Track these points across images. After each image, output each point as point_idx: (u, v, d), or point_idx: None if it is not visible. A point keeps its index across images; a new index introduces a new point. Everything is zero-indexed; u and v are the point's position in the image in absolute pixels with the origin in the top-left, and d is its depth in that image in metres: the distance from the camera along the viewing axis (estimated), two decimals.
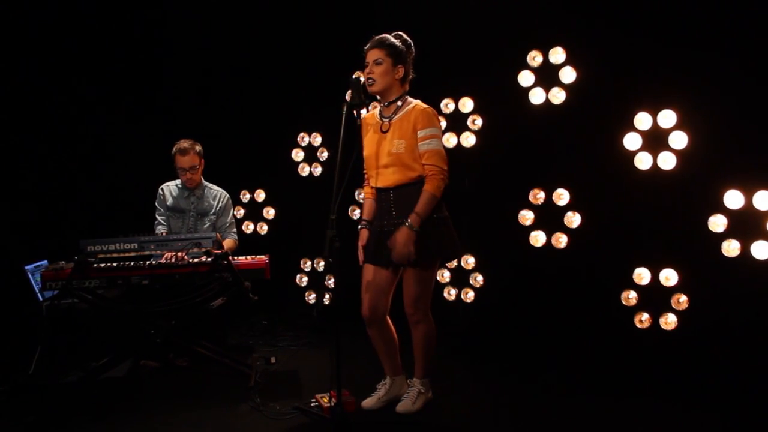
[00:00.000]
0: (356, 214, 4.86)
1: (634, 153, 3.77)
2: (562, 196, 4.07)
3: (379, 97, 3.13)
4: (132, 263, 3.44)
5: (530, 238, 4.18)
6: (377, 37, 3.05)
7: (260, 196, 5.22)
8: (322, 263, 5.06)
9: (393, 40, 3.04)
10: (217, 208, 4.10)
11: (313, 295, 5.07)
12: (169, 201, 4.07)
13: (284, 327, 4.72)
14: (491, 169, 4.33)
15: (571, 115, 4.00)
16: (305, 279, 5.14)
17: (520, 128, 4.20)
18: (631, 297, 3.84)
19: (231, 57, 5.09)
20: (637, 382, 3.49)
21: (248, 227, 5.21)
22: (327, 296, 4.98)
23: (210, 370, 3.74)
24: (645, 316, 3.80)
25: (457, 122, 4.42)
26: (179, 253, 3.47)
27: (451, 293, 4.52)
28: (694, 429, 3.01)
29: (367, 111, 3.23)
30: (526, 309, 4.23)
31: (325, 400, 3.16)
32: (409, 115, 3.03)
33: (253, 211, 5.24)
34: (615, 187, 3.88)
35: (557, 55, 4.02)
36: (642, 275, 3.80)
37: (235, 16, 5.02)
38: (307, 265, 5.13)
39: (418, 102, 3.09)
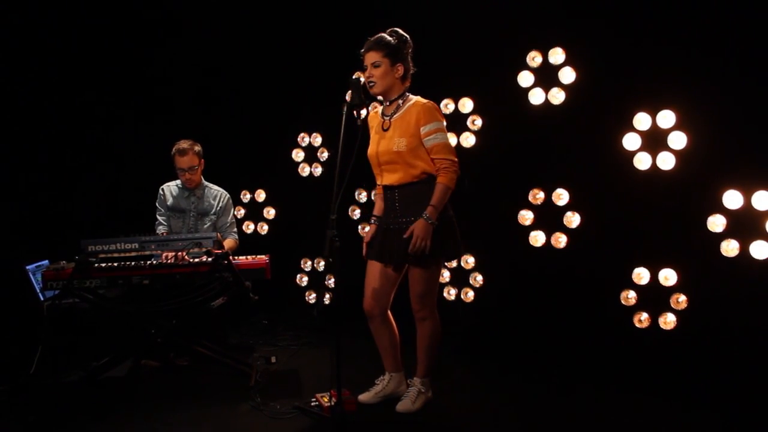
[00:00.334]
0: (356, 214, 4.87)
1: (633, 153, 3.78)
2: (561, 196, 4.08)
3: (381, 98, 3.14)
4: (133, 263, 3.45)
5: (530, 238, 4.19)
6: (372, 39, 3.05)
7: (261, 196, 5.23)
8: (322, 263, 5.07)
9: (388, 38, 3.03)
10: (218, 208, 4.11)
11: (314, 295, 5.08)
12: (170, 201, 4.08)
13: (284, 326, 4.73)
14: (491, 169, 4.34)
15: (571, 116, 4.01)
16: (305, 279, 5.14)
17: (519, 128, 4.21)
18: (630, 297, 3.85)
19: (231, 57, 5.09)
20: (636, 382, 3.50)
21: (249, 227, 5.22)
22: (327, 296, 4.99)
23: (210, 370, 3.75)
24: (644, 315, 3.81)
25: (457, 122, 4.43)
26: (179, 253, 3.47)
27: (450, 293, 4.53)
28: (693, 429, 3.02)
29: (368, 111, 3.25)
30: (525, 309, 4.24)
31: (326, 400, 3.17)
32: (410, 112, 3.03)
33: (254, 211, 5.25)
34: (614, 188, 3.89)
35: (557, 55, 4.03)
36: (641, 275, 3.81)
37: (236, 16, 5.03)
38: (307, 265, 5.14)
39: (418, 98, 3.09)
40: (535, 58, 4.11)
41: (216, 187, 4.17)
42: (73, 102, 4.76)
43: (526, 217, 4.21)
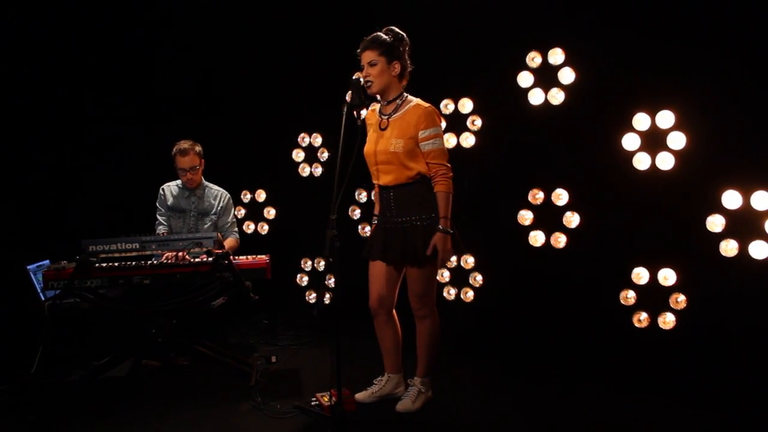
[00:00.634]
0: (356, 214, 4.88)
1: (632, 153, 3.78)
2: (561, 196, 4.08)
3: (379, 97, 3.15)
4: (133, 263, 3.46)
5: (529, 238, 4.19)
6: (368, 38, 3.05)
7: (261, 196, 5.24)
8: (322, 263, 5.07)
9: (384, 37, 3.04)
10: (218, 208, 4.12)
11: (314, 295, 5.09)
12: (170, 201, 4.09)
13: (285, 326, 4.74)
14: (490, 169, 4.34)
15: (570, 116, 4.01)
16: (306, 278, 5.15)
17: (519, 129, 4.21)
18: (629, 296, 3.86)
19: (232, 57, 5.10)
20: (635, 381, 3.51)
21: (249, 227, 5.23)
22: (327, 296, 4.99)
23: (211, 370, 3.76)
24: (643, 315, 3.82)
25: (457, 123, 4.44)
26: (180, 253, 3.48)
27: (450, 293, 4.54)
28: (692, 428, 3.03)
29: (367, 111, 3.25)
30: (525, 308, 4.24)
31: (326, 399, 3.18)
32: (410, 114, 3.04)
33: (254, 211, 5.26)
34: (614, 188, 3.89)
35: (556, 56, 4.03)
36: (640, 275, 3.81)
37: (236, 16, 5.04)
38: (307, 265, 5.15)
39: (418, 100, 3.10)
40: (534, 59, 4.12)
41: (216, 187, 4.18)
42: (74, 102, 4.77)
43: (525, 217, 4.22)
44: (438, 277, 4.52)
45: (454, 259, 4.49)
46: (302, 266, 5.15)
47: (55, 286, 3.41)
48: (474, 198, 4.35)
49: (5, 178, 4.43)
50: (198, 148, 4.02)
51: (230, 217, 4.18)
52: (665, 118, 3.67)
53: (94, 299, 3.52)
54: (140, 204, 4.43)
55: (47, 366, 3.64)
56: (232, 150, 5.06)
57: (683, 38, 3.59)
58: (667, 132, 3.67)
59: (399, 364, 3.32)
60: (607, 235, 3.93)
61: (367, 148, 3.15)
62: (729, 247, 3.50)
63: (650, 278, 3.79)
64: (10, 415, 3.23)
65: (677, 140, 3.64)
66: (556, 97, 4.06)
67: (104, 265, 3.42)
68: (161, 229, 4.07)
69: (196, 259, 3.51)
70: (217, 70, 5.16)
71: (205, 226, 4.07)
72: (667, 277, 3.74)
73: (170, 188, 4.13)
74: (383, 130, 3.10)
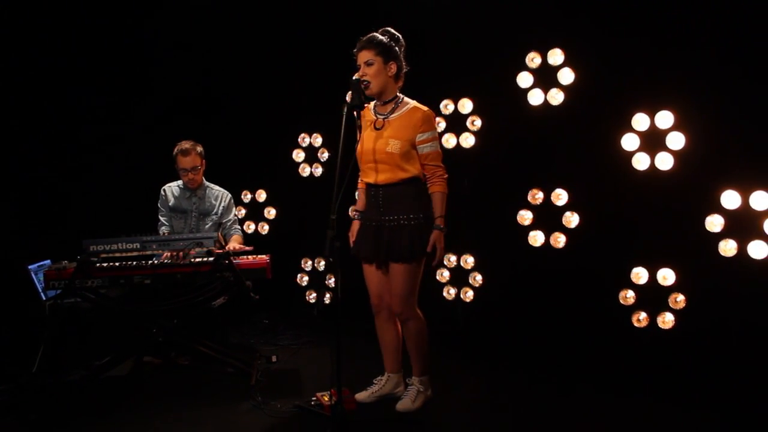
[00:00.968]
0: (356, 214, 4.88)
1: (631, 153, 3.79)
2: (560, 197, 4.09)
3: (375, 99, 3.15)
4: (134, 263, 3.47)
5: (529, 238, 4.20)
6: (364, 38, 3.07)
7: (261, 196, 5.25)
8: (322, 263, 5.09)
9: (380, 37, 3.05)
10: (219, 208, 4.13)
11: (314, 295, 5.10)
12: (171, 202, 4.10)
13: (285, 326, 4.74)
14: (490, 169, 4.35)
15: (570, 116, 4.02)
16: (306, 278, 5.16)
17: (518, 129, 4.22)
18: (628, 296, 3.87)
19: (232, 57, 5.11)
20: (634, 381, 3.51)
21: (249, 227, 5.24)
22: (327, 295, 5.01)
23: (211, 369, 3.77)
24: (642, 315, 3.83)
25: (457, 123, 4.45)
26: (180, 252, 3.49)
27: (450, 292, 4.55)
28: (691, 428, 3.04)
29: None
30: (524, 308, 4.25)
31: (326, 399, 3.19)
32: (410, 117, 3.05)
33: (255, 211, 5.27)
34: (613, 188, 3.90)
35: (555, 56, 4.04)
36: (640, 275, 3.82)
37: (237, 17, 5.05)
38: (307, 265, 5.16)
39: (415, 103, 3.11)
40: (534, 59, 4.13)
41: (217, 188, 4.19)
42: (75, 102, 4.78)
43: (525, 217, 4.23)
44: (438, 277, 4.55)
45: (454, 258, 4.50)
46: (302, 266, 5.16)
47: (56, 286, 3.42)
48: (474, 198, 4.37)
49: (6, 178, 4.44)
50: (199, 149, 4.03)
51: (232, 215, 4.20)
52: (664, 119, 3.68)
53: (95, 299, 3.53)
54: (141, 204, 4.44)
55: (48, 365, 3.65)
56: (233, 150, 5.07)
57: (682, 39, 3.60)
58: (666, 132, 3.68)
59: (399, 364, 3.33)
60: (606, 235, 3.94)
61: (363, 147, 3.16)
62: (728, 247, 3.51)
63: (649, 278, 3.80)
64: (11, 414, 3.24)
65: (676, 140, 3.65)
66: (556, 97, 4.07)
67: (105, 264, 3.43)
68: (163, 230, 4.09)
69: (197, 259, 3.51)
70: (217, 70, 5.17)
71: (206, 226, 4.09)
72: (667, 276, 3.75)
73: (171, 189, 4.14)
74: (378, 129, 3.10)
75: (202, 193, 4.12)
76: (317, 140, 5.06)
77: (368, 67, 3.03)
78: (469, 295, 4.49)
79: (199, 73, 5.18)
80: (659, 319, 3.77)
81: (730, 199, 3.48)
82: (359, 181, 3.30)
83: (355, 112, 3.05)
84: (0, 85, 4.43)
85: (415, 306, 3.16)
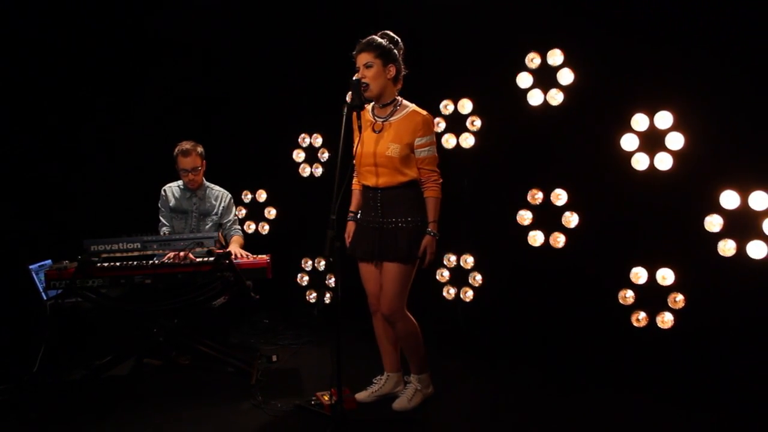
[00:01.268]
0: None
1: (631, 154, 3.80)
2: (560, 197, 4.10)
3: (374, 101, 3.16)
4: (135, 263, 3.48)
5: (528, 238, 4.21)
6: (363, 40, 3.07)
7: (262, 196, 5.26)
8: (322, 262, 5.10)
9: (380, 40, 3.06)
10: (220, 208, 4.14)
11: (314, 294, 5.11)
12: (172, 202, 4.11)
13: (285, 325, 4.75)
14: (490, 169, 4.36)
15: (569, 117, 4.03)
16: (306, 278, 5.17)
17: (518, 129, 4.23)
18: (628, 296, 3.87)
19: (233, 58, 5.12)
20: (634, 380, 3.53)
21: (250, 227, 5.25)
22: (327, 295, 5.01)
23: (212, 369, 3.78)
24: (642, 314, 3.84)
25: (456, 123, 4.45)
26: (182, 252, 3.50)
27: (450, 292, 4.56)
28: (691, 427, 3.05)
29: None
30: (524, 308, 4.26)
31: (326, 398, 3.20)
32: (409, 121, 3.06)
33: (255, 211, 5.28)
34: (612, 188, 3.91)
35: (555, 57, 4.05)
36: (639, 274, 3.83)
37: (237, 17, 5.06)
38: (308, 265, 5.17)
39: (414, 107, 3.12)
40: (533, 60, 4.14)
41: (218, 188, 4.20)
42: (76, 101, 4.78)
43: (525, 217, 4.24)
44: (438, 277, 4.56)
45: (454, 258, 4.51)
46: (303, 266, 5.17)
47: (57, 286, 3.43)
48: (473, 198, 4.38)
49: (7, 178, 4.45)
50: (200, 149, 4.04)
51: (232, 216, 4.20)
52: (664, 119, 3.68)
53: (96, 299, 3.54)
54: (142, 204, 4.45)
55: (49, 365, 3.66)
56: (234, 150, 5.08)
57: (682, 39, 3.61)
58: (665, 132, 3.69)
59: (398, 363, 3.34)
60: (605, 235, 3.95)
61: (363, 149, 3.16)
62: (727, 247, 3.52)
63: (649, 278, 3.80)
64: (13, 413, 3.25)
65: (675, 141, 3.66)
66: (555, 97, 4.08)
67: (106, 264, 3.44)
68: (164, 230, 4.09)
69: (198, 259, 3.52)
70: (218, 70, 5.18)
71: (207, 226, 4.09)
72: (666, 276, 3.76)
73: (172, 189, 4.15)
74: (378, 132, 3.11)
75: (203, 194, 4.13)
76: (317, 140, 5.07)
77: (367, 70, 3.04)
78: (468, 294, 4.50)
79: (199, 73, 5.19)
80: (658, 319, 3.78)
81: (729, 199, 3.49)
82: (354, 182, 3.31)
83: (355, 113, 3.06)
84: (1, 84, 4.43)
85: (403, 308, 3.16)
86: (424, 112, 3.10)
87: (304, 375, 3.76)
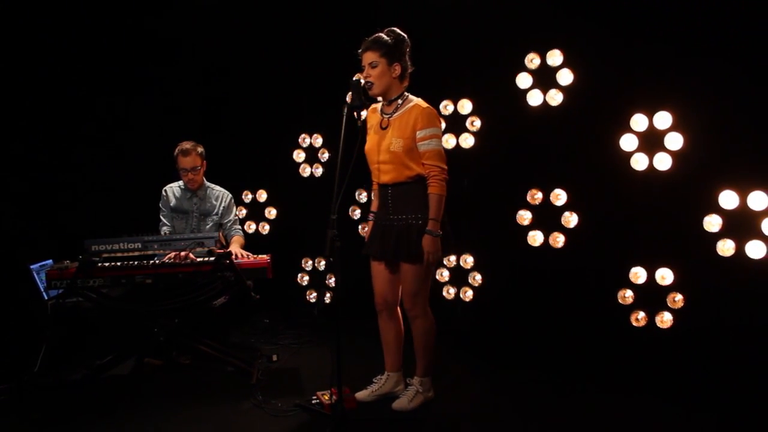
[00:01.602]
0: (357, 214, 4.91)
1: (630, 154, 3.81)
2: (559, 197, 4.11)
3: (380, 98, 3.17)
4: (135, 262, 3.48)
5: (528, 238, 4.22)
6: (369, 39, 3.07)
7: (262, 196, 5.27)
8: (323, 262, 5.10)
9: (386, 38, 3.05)
10: (220, 208, 4.15)
11: (314, 294, 5.11)
12: (172, 202, 4.12)
13: (286, 325, 4.76)
14: (489, 169, 4.37)
15: (569, 117, 4.04)
16: (306, 278, 5.18)
17: (518, 129, 4.24)
18: (627, 296, 3.88)
19: (233, 58, 5.13)
20: (633, 380, 3.53)
21: (250, 227, 5.25)
22: (328, 295, 5.02)
23: (212, 368, 3.78)
24: (641, 314, 3.84)
25: (456, 123, 4.46)
26: (183, 252, 3.50)
27: (449, 292, 4.57)
28: (689, 427, 3.06)
29: (367, 111, 3.28)
30: (523, 308, 4.27)
31: (326, 398, 3.20)
32: (410, 114, 3.06)
33: (255, 211, 5.28)
34: (611, 188, 3.92)
35: (554, 57, 4.06)
36: (638, 274, 3.84)
37: (238, 17, 5.06)
38: (308, 264, 5.18)
39: (418, 101, 3.12)
40: (533, 60, 4.15)
41: (218, 188, 4.21)
42: (76, 101, 4.79)
43: (524, 217, 4.25)
44: (437, 277, 4.56)
45: (453, 258, 4.52)
46: (303, 266, 5.18)
47: (58, 286, 3.43)
48: (473, 198, 4.38)
49: (8, 178, 4.46)
50: (200, 149, 4.05)
51: (233, 216, 4.21)
52: (663, 119, 3.69)
53: (97, 298, 3.54)
54: (142, 204, 4.46)
55: (50, 364, 3.67)
56: (234, 150, 5.09)
57: (681, 40, 3.62)
58: (664, 133, 3.70)
59: (399, 363, 3.34)
60: (605, 235, 3.96)
61: (368, 146, 3.19)
62: (726, 247, 3.53)
63: (648, 277, 3.81)
64: (14, 413, 3.26)
65: (675, 141, 3.67)
66: (555, 98, 4.09)
67: (107, 264, 3.45)
68: (165, 230, 4.10)
69: (199, 259, 3.53)
70: (218, 70, 5.19)
71: (207, 226, 4.10)
72: (665, 276, 3.76)
73: (172, 189, 4.16)
74: (384, 129, 3.12)
75: (203, 194, 4.14)
76: (317, 141, 5.08)
77: (372, 69, 3.05)
78: (468, 294, 4.51)
79: (200, 73, 5.20)
80: (658, 319, 3.79)
81: (728, 199, 3.50)
82: (373, 182, 3.31)
83: (355, 113, 3.06)
84: (1, 84, 4.44)
85: (425, 305, 3.17)
86: (425, 105, 3.08)
87: (305, 374, 3.77)
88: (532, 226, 4.22)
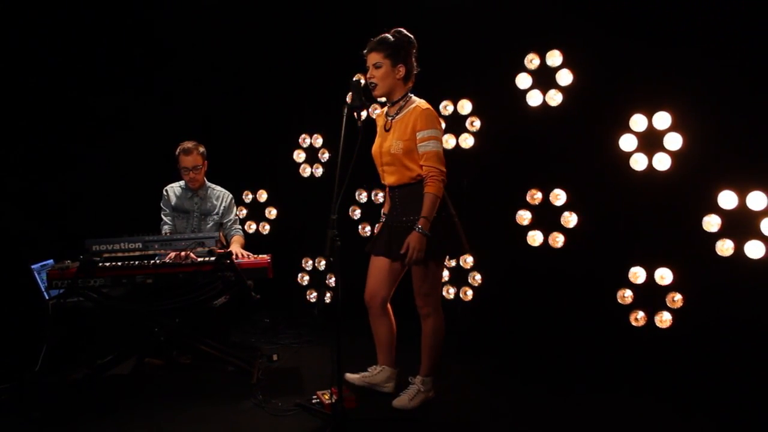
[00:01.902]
0: (357, 214, 4.92)
1: (629, 154, 3.82)
2: (559, 197, 4.12)
3: (385, 99, 3.17)
4: (136, 262, 3.49)
5: (528, 238, 4.23)
6: (374, 39, 3.07)
7: (262, 196, 5.28)
8: (323, 262, 5.11)
9: (391, 39, 3.05)
10: (221, 208, 4.16)
11: (315, 294, 5.12)
12: (173, 202, 4.13)
13: (286, 325, 4.76)
14: (489, 169, 4.38)
15: (568, 117, 4.05)
16: (307, 278, 5.19)
17: (517, 130, 4.25)
18: (626, 295, 3.89)
19: (233, 58, 5.13)
20: (632, 380, 3.54)
21: (251, 227, 5.26)
22: (328, 295, 5.03)
23: (213, 368, 3.79)
24: (640, 314, 3.85)
25: (456, 124, 4.47)
26: (183, 252, 3.51)
27: (449, 292, 4.57)
28: (689, 427, 3.06)
29: (368, 113, 3.29)
30: (523, 307, 4.28)
31: (326, 397, 3.21)
32: (410, 115, 3.07)
33: (256, 211, 5.29)
34: (611, 188, 3.93)
35: (554, 57, 4.07)
36: (637, 274, 3.85)
37: (238, 17, 5.07)
38: (308, 264, 5.18)
39: (419, 102, 3.12)
40: (532, 61, 4.16)
41: (219, 188, 4.22)
42: (76, 101, 4.80)
43: (524, 217, 4.26)
44: None
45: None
46: (303, 266, 5.19)
47: (59, 286, 3.43)
48: (473, 198, 4.39)
49: (9, 178, 4.46)
50: (201, 149, 4.06)
51: (233, 216, 4.22)
52: (662, 120, 3.70)
53: (98, 298, 3.54)
54: (143, 204, 4.46)
55: (51, 364, 3.66)
56: (234, 151, 5.10)
57: (680, 41, 3.63)
58: (663, 133, 3.71)
59: (392, 359, 3.35)
60: (604, 235, 3.97)
61: (374, 149, 3.21)
62: (725, 247, 3.54)
63: (647, 277, 3.82)
64: (15, 412, 3.26)
65: (674, 141, 3.68)
66: (554, 98, 4.10)
67: (107, 264, 3.45)
68: (166, 229, 4.11)
69: (199, 259, 3.53)
70: (219, 70, 5.19)
71: (208, 226, 4.11)
72: (664, 276, 3.77)
73: (173, 189, 4.16)
74: (387, 131, 3.13)
75: (204, 194, 4.15)
76: (318, 141, 5.09)
77: (376, 70, 3.05)
78: (468, 294, 4.51)
79: (200, 73, 5.20)
80: (657, 318, 3.80)
81: (727, 199, 3.51)
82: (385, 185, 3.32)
83: (355, 113, 3.06)
84: (2, 84, 4.45)
85: (437, 305, 3.18)
86: (425, 106, 3.07)
87: (305, 374, 3.77)
88: (532, 226, 4.23)
